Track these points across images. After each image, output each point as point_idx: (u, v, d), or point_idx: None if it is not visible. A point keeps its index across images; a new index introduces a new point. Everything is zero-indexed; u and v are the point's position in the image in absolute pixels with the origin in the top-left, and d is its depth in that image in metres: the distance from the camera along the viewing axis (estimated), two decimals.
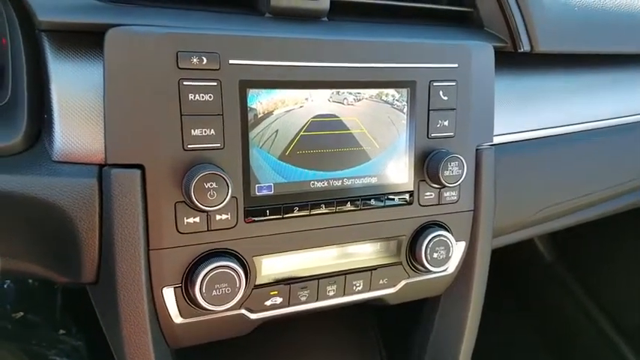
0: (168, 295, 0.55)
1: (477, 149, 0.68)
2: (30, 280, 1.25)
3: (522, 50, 0.72)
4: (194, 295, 0.53)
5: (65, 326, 1.25)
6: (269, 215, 0.57)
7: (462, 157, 0.63)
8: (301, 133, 0.58)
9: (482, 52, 0.67)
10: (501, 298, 1.50)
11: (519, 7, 0.72)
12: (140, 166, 0.51)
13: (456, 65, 0.65)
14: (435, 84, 0.63)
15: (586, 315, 1.38)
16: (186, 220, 0.53)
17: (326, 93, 0.58)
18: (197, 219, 0.53)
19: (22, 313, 1.21)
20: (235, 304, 0.55)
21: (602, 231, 1.34)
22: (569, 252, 1.45)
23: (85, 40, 0.52)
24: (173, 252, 0.53)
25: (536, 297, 1.50)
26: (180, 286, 0.55)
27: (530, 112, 0.76)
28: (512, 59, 0.75)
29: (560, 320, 1.44)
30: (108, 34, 0.49)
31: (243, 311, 0.60)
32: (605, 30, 0.80)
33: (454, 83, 0.65)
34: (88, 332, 1.23)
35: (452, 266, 0.70)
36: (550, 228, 0.85)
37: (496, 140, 0.71)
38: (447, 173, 0.63)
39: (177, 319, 0.56)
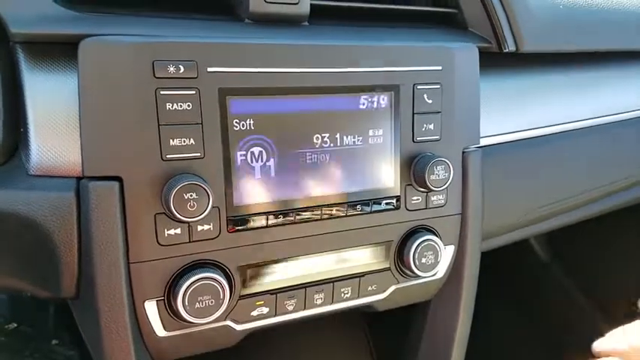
0: (151, 308, 0.54)
1: (463, 152, 0.68)
2: None
3: (507, 50, 0.72)
4: (177, 308, 0.52)
5: (58, 336, 1.24)
6: (253, 224, 0.56)
7: (448, 161, 0.62)
8: (284, 139, 0.57)
9: (467, 54, 0.67)
10: (497, 298, 1.49)
11: (504, 8, 0.71)
12: (118, 178, 0.50)
13: (440, 68, 0.64)
14: (419, 87, 0.63)
15: (582, 314, 1.38)
16: (166, 232, 0.52)
17: (309, 99, 0.57)
18: (178, 230, 0.53)
19: (15, 325, 1.20)
20: (220, 315, 0.54)
21: (597, 230, 1.33)
22: (564, 251, 1.45)
23: (60, 52, 0.51)
24: (154, 265, 0.52)
25: (532, 296, 1.49)
26: (163, 299, 0.54)
27: (517, 113, 0.75)
28: (498, 60, 0.74)
29: (556, 319, 1.44)
30: (81, 45, 0.48)
31: (228, 322, 0.59)
32: (591, 28, 0.80)
33: (438, 86, 0.64)
34: (82, 342, 1.22)
35: (441, 271, 0.70)
36: (539, 230, 0.85)
37: (482, 142, 0.70)
38: (433, 177, 0.62)
39: (161, 332, 0.55)
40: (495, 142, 0.73)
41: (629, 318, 0.73)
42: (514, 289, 1.53)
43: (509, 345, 1.48)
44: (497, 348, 1.45)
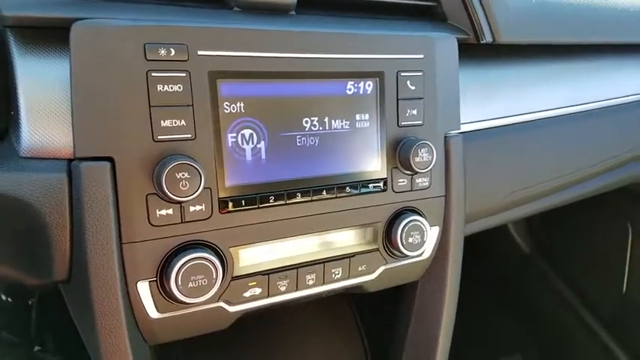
0: (143, 289, 0.54)
1: (445, 137, 0.70)
2: (3, 297, 1.22)
3: (485, 41, 0.75)
4: (170, 288, 0.53)
5: (41, 342, 1.22)
6: (244, 205, 0.57)
7: (431, 144, 0.64)
8: (274, 122, 0.58)
9: (446, 44, 0.69)
10: (479, 288, 1.52)
11: (480, 1, 0.74)
12: (110, 159, 0.51)
13: (422, 56, 0.66)
14: (402, 74, 0.65)
15: (564, 303, 1.42)
16: (158, 213, 0.53)
17: (297, 83, 0.59)
18: (170, 211, 0.53)
19: None
20: (213, 296, 0.55)
21: (578, 220, 1.38)
22: (545, 242, 1.48)
23: (51, 36, 0.52)
24: (146, 245, 0.53)
25: (515, 287, 1.53)
26: (156, 280, 0.54)
27: (495, 101, 0.78)
28: (476, 51, 0.77)
29: (538, 309, 1.47)
30: (73, 28, 0.49)
31: (221, 304, 0.59)
32: (565, 21, 0.83)
33: (421, 73, 0.66)
34: (65, 347, 1.20)
35: (427, 251, 0.72)
36: (522, 213, 0.87)
37: (463, 128, 0.73)
38: (417, 159, 0.64)
39: (154, 313, 0.55)
40: (475, 129, 0.76)
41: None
42: (496, 281, 1.56)
43: (492, 335, 1.51)
44: (480, 338, 1.48)
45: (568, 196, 0.91)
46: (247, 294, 0.60)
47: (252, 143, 0.57)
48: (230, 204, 0.56)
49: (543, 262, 1.47)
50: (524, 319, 1.48)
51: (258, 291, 0.60)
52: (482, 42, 0.75)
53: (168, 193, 0.50)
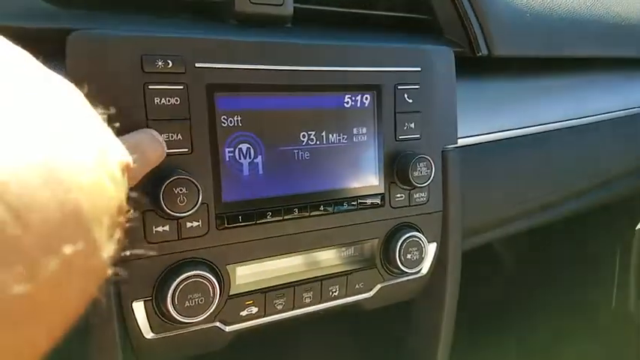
0: (138, 309, 0.52)
1: (442, 151, 0.70)
2: None
3: (480, 54, 0.75)
4: (166, 307, 0.51)
5: None
6: (241, 221, 0.56)
7: (429, 158, 0.64)
8: (271, 136, 0.57)
9: (443, 56, 0.70)
10: (464, 305, 1.51)
11: (476, 14, 0.75)
12: None
13: (419, 69, 0.66)
14: (399, 87, 0.65)
15: (550, 318, 1.41)
16: (155, 229, 0.51)
17: (295, 97, 0.58)
18: (166, 227, 0.52)
19: None
20: (209, 315, 0.53)
21: (561, 235, 1.38)
22: (530, 260, 1.48)
23: (44, 49, 0.50)
24: (142, 263, 0.51)
25: (500, 305, 1.52)
26: (151, 299, 0.52)
27: (491, 115, 0.78)
28: (472, 64, 0.77)
29: (526, 326, 1.46)
30: (70, 38, 0.48)
31: (217, 324, 0.57)
32: (559, 36, 0.84)
33: (418, 86, 0.66)
34: None
35: (425, 268, 0.71)
36: (520, 227, 0.87)
37: (460, 142, 0.73)
38: (416, 174, 0.63)
39: (149, 334, 0.54)
40: (472, 143, 0.76)
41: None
42: (480, 300, 1.54)
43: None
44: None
45: (567, 209, 0.91)
46: (244, 313, 0.58)
47: (250, 158, 0.56)
48: (227, 220, 0.55)
49: (529, 279, 1.47)
50: (511, 336, 1.47)
51: (254, 310, 0.59)
52: (477, 55, 0.76)
53: (166, 208, 0.49)
